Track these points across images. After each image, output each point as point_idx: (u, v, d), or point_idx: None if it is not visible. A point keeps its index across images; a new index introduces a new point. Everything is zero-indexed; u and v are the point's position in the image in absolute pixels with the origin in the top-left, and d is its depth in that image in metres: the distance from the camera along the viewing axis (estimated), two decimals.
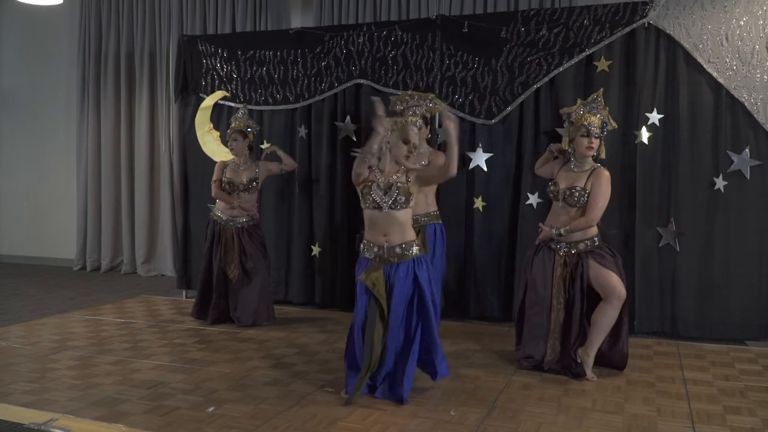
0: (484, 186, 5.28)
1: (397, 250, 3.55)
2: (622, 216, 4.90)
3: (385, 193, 3.53)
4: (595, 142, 3.94)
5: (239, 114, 5.25)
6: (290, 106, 5.85)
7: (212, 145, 5.59)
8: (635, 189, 4.86)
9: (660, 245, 4.85)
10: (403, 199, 3.53)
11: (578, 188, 3.91)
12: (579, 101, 4.23)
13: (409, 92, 4.77)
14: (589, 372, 3.91)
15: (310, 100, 5.78)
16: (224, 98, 5.92)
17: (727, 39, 4.67)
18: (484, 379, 3.92)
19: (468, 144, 5.30)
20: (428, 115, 4.71)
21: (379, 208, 3.55)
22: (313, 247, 5.81)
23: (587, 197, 3.89)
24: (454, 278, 5.28)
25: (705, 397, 3.61)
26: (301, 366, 4.16)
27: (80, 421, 3.25)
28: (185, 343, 4.71)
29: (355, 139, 5.58)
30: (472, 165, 5.27)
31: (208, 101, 5.69)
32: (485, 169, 5.25)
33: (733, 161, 4.69)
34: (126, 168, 7.83)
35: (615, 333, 3.96)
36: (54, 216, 8.47)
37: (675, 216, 4.82)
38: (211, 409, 3.40)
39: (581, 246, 3.94)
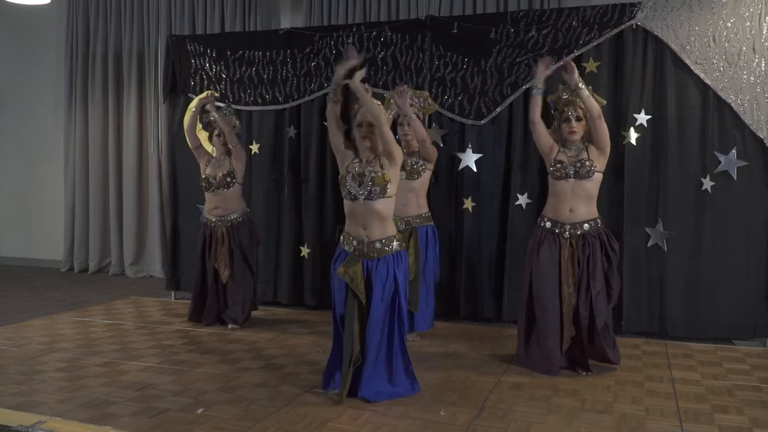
0: (474, 187, 5.28)
1: (377, 245, 3.53)
2: (611, 216, 4.91)
3: (359, 184, 3.50)
4: (577, 126, 3.99)
5: (225, 111, 5.24)
6: (279, 107, 5.84)
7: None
8: (623, 189, 4.88)
9: (648, 245, 4.88)
10: (378, 189, 3.48)
11: (584, 160, 3.96)
12: (560, 87, 4.20)
13: (404, 86, 4.77)
14: None
15: (300, 101, 5.77)
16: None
17: (714, 40, 4.70)
18: (475, 379, 3.93)
19: (458, 145, 5.32)
20: (421, 115, 4.70)
21: (355, 198, 3.53)
22: (302, 248, 5.80)
23: (595, 167, 3.96)
24: (445, 279, 5.29)
25: (693, 396, 3.63)
26: (291, 367, 4.15)
27: (68, 424, 3.22)
28: (174, 344, 4.69)
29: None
30: (461, 165, 5.28)
31: (197, 102, 5.66)
32: (475, 169, 5.26)
33: (720, 162, 4.72)
34: (114, 169, 7.79)
35: (590, 331, 4.00)
36: (41, 217, 8.41)
37: (663, 216, 4.84)
38: (200, 410, 3.39)
39: (586, 227, 3.99)
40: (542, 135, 4.09)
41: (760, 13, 4.63)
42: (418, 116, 4.63)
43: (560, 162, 4.01)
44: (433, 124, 5.34)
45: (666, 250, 4.84)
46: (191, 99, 5.88)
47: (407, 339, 4.65)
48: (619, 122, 4.91)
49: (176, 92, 6.17)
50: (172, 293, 6.31)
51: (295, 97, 5.78)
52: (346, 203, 3.59)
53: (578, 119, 3.98)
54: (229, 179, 5.17)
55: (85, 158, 7.92)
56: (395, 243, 3.57)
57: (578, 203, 3.99)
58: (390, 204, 3.57)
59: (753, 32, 4.64)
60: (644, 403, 3.53)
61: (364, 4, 6.68)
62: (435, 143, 5.29)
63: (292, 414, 3.36)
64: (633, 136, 4.87)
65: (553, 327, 3.97)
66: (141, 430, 3.15)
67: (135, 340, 4.81)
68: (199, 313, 5.29)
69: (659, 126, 4.85)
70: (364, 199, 3.50)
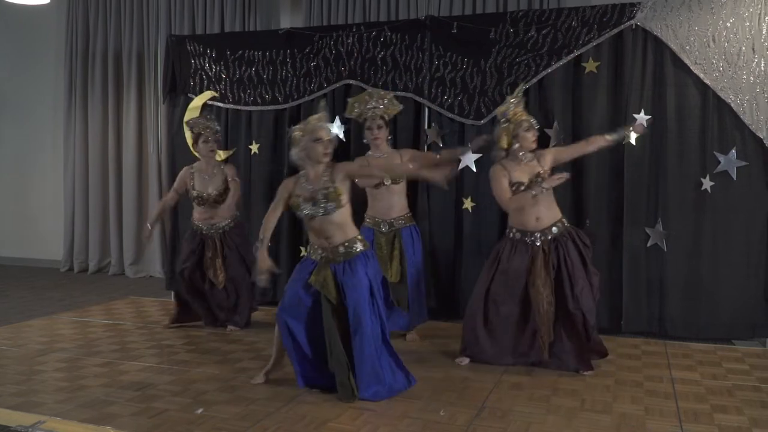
0: (474, 186, 5.28)
1: (341, 249, 3.57)
2: (610, 216, 4.92)
3: (314, 204, 3.54)
4: (535, 133, 4.13)
5: (207, 117, 5.20)
6: (279, 107, 5.84)
7: None
8: (623, 190, 4.88)
9: (648, 245, 4.88)
10: (333, 205, 3.53)
11: (540, 173, 4.06)
12: (508, 98, 4.27)
13: (369, 91, 4.78)
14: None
15: (300, 101, 5.76)
16: (213, 99, 5.90)
17: (713, 40, 4.70)
18: (474, 379, 3.93)
19: (457, 145, 5.30)
20: (387, 117, 4.68)
21: (313, 217, 3.57)
22: (302, 248, 5.80)
23: (548, 172, 4.11)
24: (444, 279, 5.29)
25: (693, 396, 3.63)
26: (290, 367, 4.12)
27: (68, 424, 3.22)
28: (174, 344, 4.69)
29: (344, 140, 5.57)
30: (461, 165, 5.27)
31: (197, 102, 5.68)
32: (474, 169, 5.25)
33: (719, 162, 4.72)
34: (114, 169, 7.79)
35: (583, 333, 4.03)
36: (41, 217, 8.40)
37: (662, 216, 4.84)
38: (200, 410, 3.39)
39: (554, 230, 4.06)
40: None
41: (760, 14, 4.62)
42: (384, 118, 4.62)
43: (520, 183, 4.06)
44: (432, 124, 5.34)
45: (665, 250, 4.84)
46: (191, 99, 5.90)
47: (407, 339, 4.70)
48: (618, 122, 4.89)
49: (176, 92, 6.16)
50: (172, 293, 6.29)
51: (295, 97, 5.78)
52: (305, 221, 3.63)
53: (536, 126, 4.14)
54: (224, 197, 5.08)
55: (84, 158, 7.91)
56: (358, 244, 3.61)
57: (542, 210, 4.06)
58: (346, 212, 3.62)
59: (752, 32, 4.64)
60: (644, 403, 3.53)
61: (363, 4, 6.68)
62: (435, 143, 5.30)
63: (292, 414, 3.36)
64: (633, 136, 4.85)
65: (507, 328, 4.09)
66: (140, 430, 3.15)
67: (134, 340, 4.81)
68: (185, 314, 5.22)
69: (659, 126, 4.84)
70: (321, 215, 3.55)
